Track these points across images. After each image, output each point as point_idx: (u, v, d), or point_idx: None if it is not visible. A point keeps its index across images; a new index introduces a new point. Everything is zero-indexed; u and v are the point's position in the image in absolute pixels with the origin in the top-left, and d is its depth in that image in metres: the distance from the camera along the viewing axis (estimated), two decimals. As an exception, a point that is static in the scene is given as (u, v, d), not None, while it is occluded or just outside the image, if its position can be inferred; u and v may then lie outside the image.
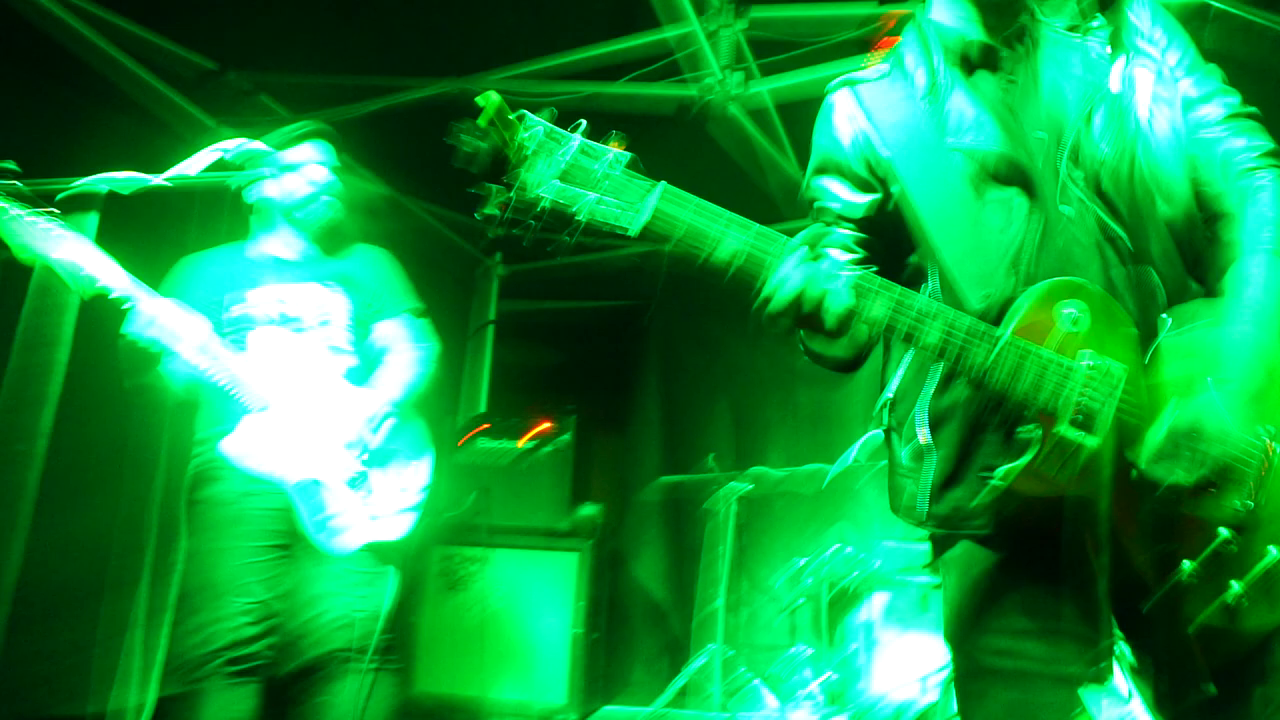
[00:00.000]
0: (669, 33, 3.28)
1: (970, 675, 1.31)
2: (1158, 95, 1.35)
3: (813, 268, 1.15)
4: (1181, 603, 1.17)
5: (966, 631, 1.32)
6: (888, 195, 1.41)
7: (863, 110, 1.42)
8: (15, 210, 2.04)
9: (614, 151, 1.14)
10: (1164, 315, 1.27)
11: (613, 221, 1.12)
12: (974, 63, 1.40)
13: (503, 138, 1.11)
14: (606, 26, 3.53)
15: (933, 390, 1.35)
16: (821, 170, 1.48)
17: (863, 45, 3.37)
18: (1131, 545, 1.16)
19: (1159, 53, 1.39)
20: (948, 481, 1.33)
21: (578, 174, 1.12)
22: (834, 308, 1.15)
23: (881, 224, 1.44)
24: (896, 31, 3.30)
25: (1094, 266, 1.27)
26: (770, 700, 4.38)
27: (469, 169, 1.13)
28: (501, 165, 1.12)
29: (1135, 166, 1.31)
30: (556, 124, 1.15)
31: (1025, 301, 1.21)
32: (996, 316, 1.23)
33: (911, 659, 3.81)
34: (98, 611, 3.39)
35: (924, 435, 1.35)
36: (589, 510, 4.62)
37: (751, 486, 3.77)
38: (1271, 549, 1.20)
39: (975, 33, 1.40)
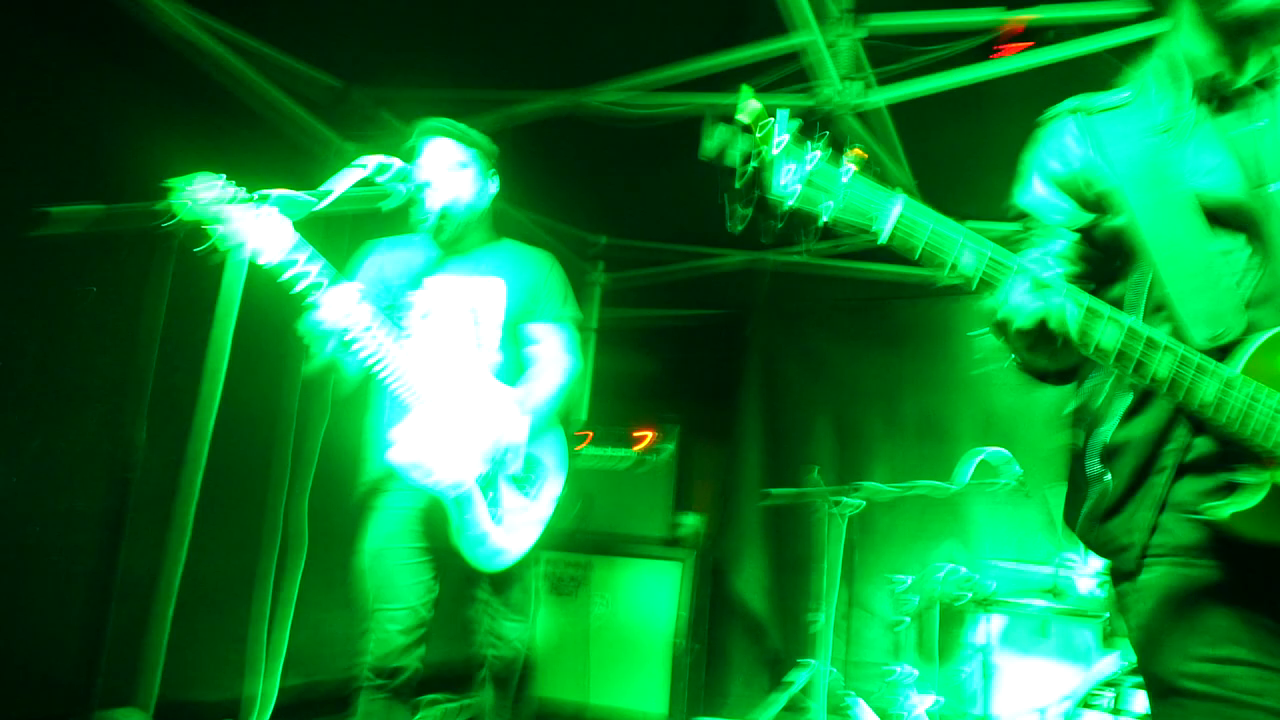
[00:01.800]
0: (788, 41, 3.25)
1: (1166, 698, 1.27)
2: None
3: (1045, 294, 1.17)
4: None
5: (1166, 654, 1.27)
6: (1105, 221, 1.40)
7: (1092, 139, 1.41)
8: (231, 190, 2.02)
9: (852, 164, 1.18)
10: None
11: (859, 224, 1.17)
12: (1222, 99, 1.37)
13: (755, 139, 1.17)
14: (714, 38, 3.53)
15: (1114, 422, 1.35)
16: (1040, 189, 1.48)
17: (984, 53, 3.28)
18: None
19: None
20: (1110, 511, 1.33)
21: (820, 180, 1.16)
22: (1066, 329, 1.17)
23: (1099, 241, 1.42)
24: (1019, 39, 3.22)
25: None
26: (871, 719, 4.28)
27: (716, 163, 1.18)
28: (749, 165, 1.17)
29: None
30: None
31: (1256, 343, 1.20)
32: (1221, 356, 1.21)
33: (1029, 686, 3.67)
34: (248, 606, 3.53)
35: (1098, 463, 1.36)
36: (692, 520, 4.62)
37: (862, 502, 3.69)
38: None
39: (1224, 68, 1.37)
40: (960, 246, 1.16)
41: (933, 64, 3.35)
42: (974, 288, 1.19)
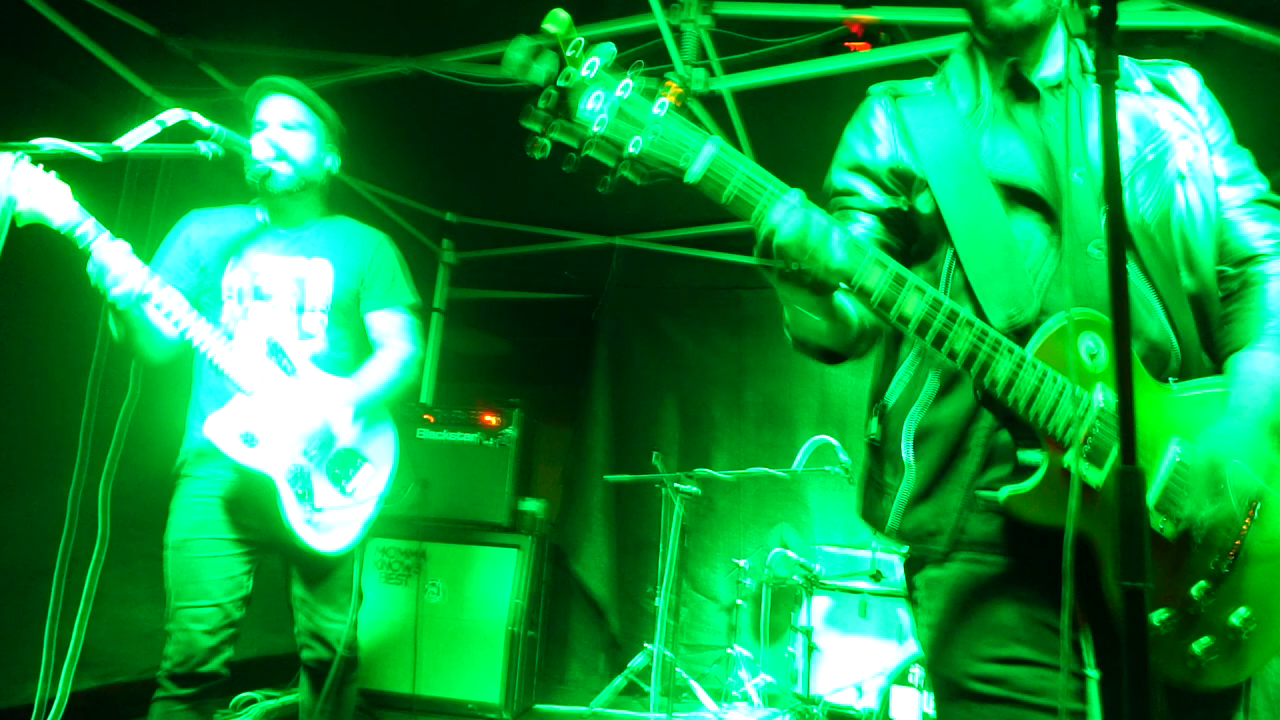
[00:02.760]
0: (635, 23, 3.22)
1: (954, 700, 1.29)
2: (1194, 168, 1.37)
3: (823, 214, 1.14)
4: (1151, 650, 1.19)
5: (954, 655, 1.30)
6: (909, 205, 1.43)
7: (900, 124, 1.44)
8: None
9: (668, 99, 1.11)
10: (1171, 379, 1.28)
11: (669, 162, 1.09)
12: (1021, 88, 1.41)
13: (562, 59, 1.07)
14: (571, 11, 3.46)
15: (923, 407, 1.36)
16: (849, 168, 1.49)
17: (827, 48, 3.36)
18: (1112, 587, 1.16)
19: (1199, 126, 1.42)
20: (918, 497, 1.35)
21: (632, 112, 1.09)
22: (817, 247, 1.13)
23: (903, 224, 1.44)
24: (861, 38, 3.31)
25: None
26: (707, 701, 4.38)
27: (518, 78, 1.08)
28: (554, 88, 1.07)
29: (1168, 231, 1.33)
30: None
31: (1050, 326, 1.22)
32: (1018, 337, 1.23)
33: (850, 664, 3.84)
34: (23, 601, 3.22)
35: (906, 451, 1.37)
36: (531, 505, 4.56)
37: (697, 488, 3.75)
38: (1241, 609, 1.22)
39: (1016, 61, 1.41)
40: (770, 195, 1.12)
41: (777, 56, 3.40)
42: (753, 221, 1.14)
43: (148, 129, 1.86)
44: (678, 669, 4.28)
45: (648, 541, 4.97)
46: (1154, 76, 1.45)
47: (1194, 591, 1.21)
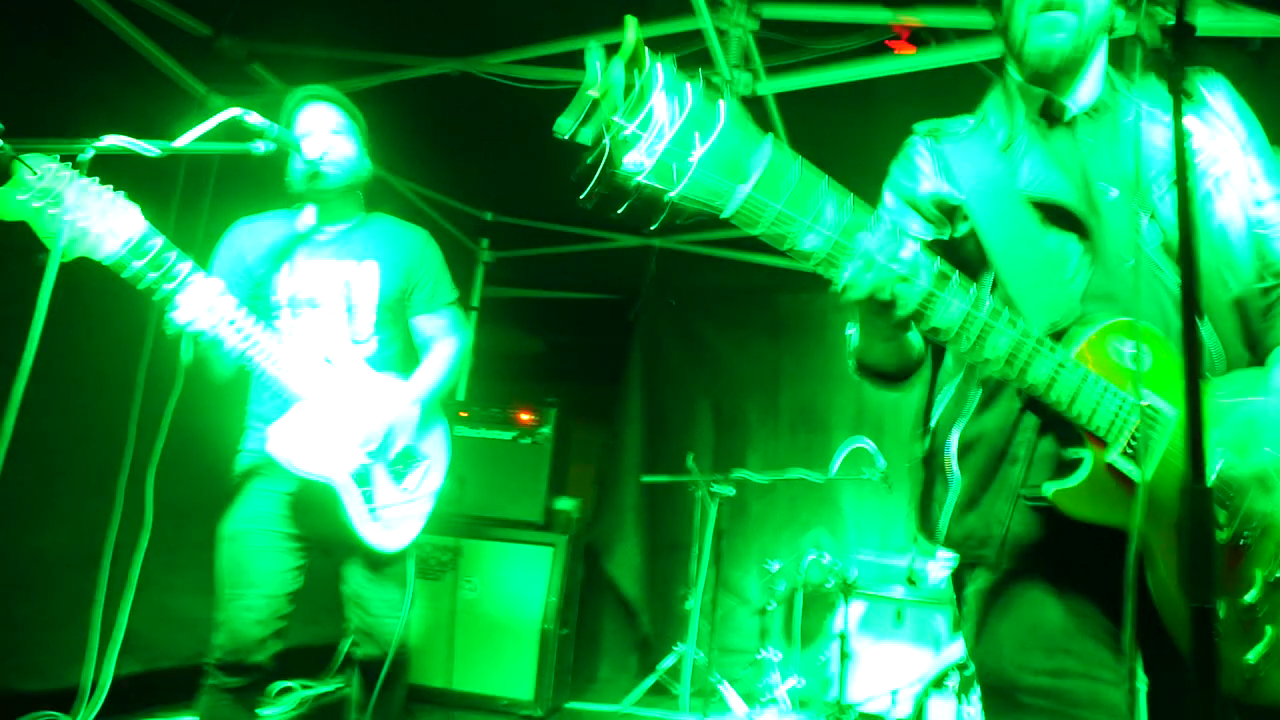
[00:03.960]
0: (681, 25, 3.22)
1: (1006, 711, 1.31)
2: (1229, 181, 1.40)
3: (893, 253, 1.17)
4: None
5: (1004, 667, 1.31)
6: (951, 237, 1.48)
7: (941, 159, 1.50)
8: (70, 174, 1.85)
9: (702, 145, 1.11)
10: (1211, 377, 1.30)
11: (706, 203, 1.11)
12: (1052, 121, 1.46)
13: (608, 116, 1.07)
14: (615, 17, 3.45)
15: (967, 419, 1.40)
16: (895, 201, 1.55)
17: (873, 51, 3.34)
18: (1160, 591, 1.15)
19: (1234, 139, 1.44)
20: (966, 506, 1.38)
21: (671, 157, 1.09)
22: (910, 293, 1.17)
23: (947, 253, 1.45)
24: (909, 40, 3.29)
25: (1155, 317, 1.30)
26: (737, 704, 4.37)
27: (572, 138, 1.09)
28: (601, 142, 1.09)
29: (1202, 241, 1.34)
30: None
31: (1091, 328, 1.25)
32: (1057, 342, 1.26)
33: (884, 671, 3.81)
34: (72, 587, 3.30)
35: (951, 462, 1.40)
36: (566, 504, 4.58)
37: (733, 490, 3.75)
38: None
39: (1050, 95, 1.45)
40: (805, 229, 1.14)
41: (822, 59, 3.39)
42: (813, 265, 1.17)
43: (204, 127, 1.90)
44: (708, 671, 4.27)
45: (681, 543, 4.97)
46: (1194, 93, 1.46)
47: (1247, 598, 1.20)
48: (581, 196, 1.10)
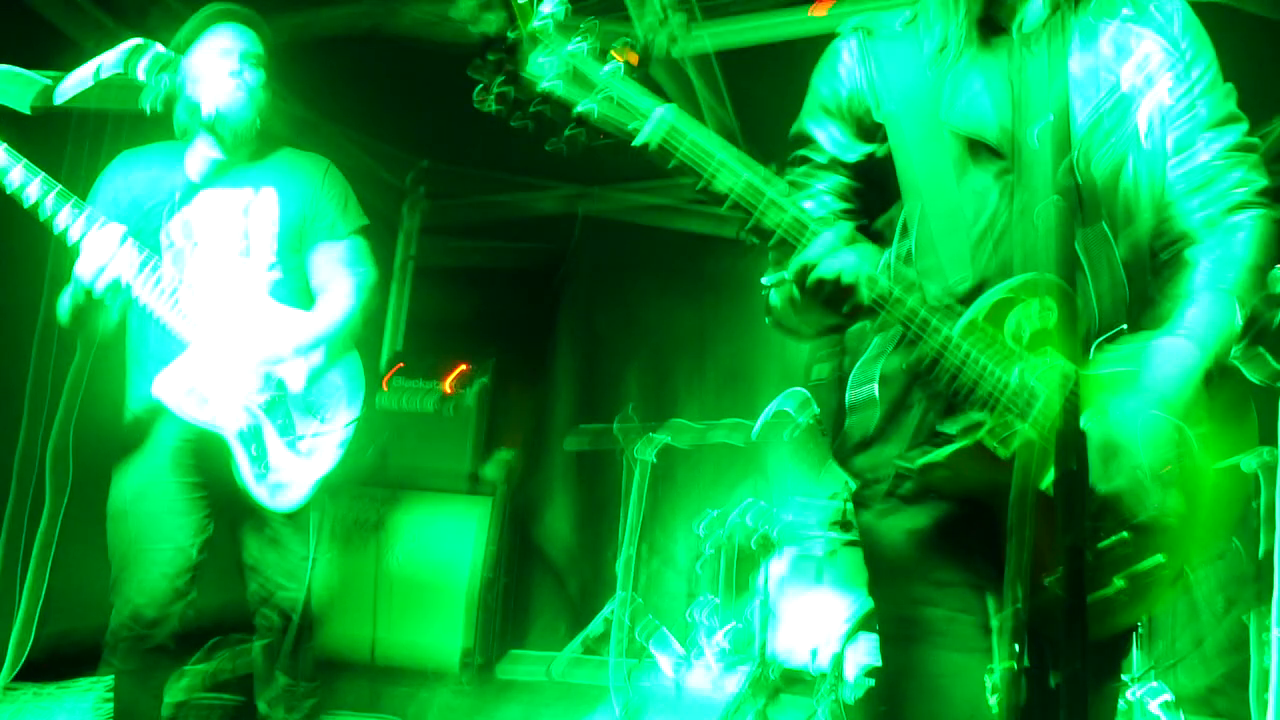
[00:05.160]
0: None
1: (884, 641, 1.37)
2: (1169, 109, 1.34)
3: (849, 255, 1.17)
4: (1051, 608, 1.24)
5: (878, 597, 1.39)
6: (871, 156, 1.41)
7: (868, 63, 1.40)
8: None
9: (621, 60, 1.11)
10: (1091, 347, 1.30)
11: (619, 125, 1.09)
12: (995, 27, 1.36)
13: (513, 11, 1.05)
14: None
15: (867, 358, 1.40)
16: (817, 113, 1.46)
17: (797, 7, 3.33)
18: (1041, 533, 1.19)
19: (1182, 63, 1.36)
20: (875, 437, 1.39)
21: (583, 71, 1.08)
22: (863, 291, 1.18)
23: (871, 173, 1.43)
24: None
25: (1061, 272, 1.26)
26: (675, 648, 4.43)
27: (471, 25, 1.06)
28: (504, 40, 1.06)
29: (1114, 193, 1.32)
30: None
31: (996, 292, 1.23)
32: (968, 296, 1.25)
33: (814, 614, 3.89)
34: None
35: (870, 389, 1.39)
36: (502, 456, 4.54)
37: (669, 438, 3.78)
38: (1159, 556, 1.25)
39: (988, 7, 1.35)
40: (718, 164, 1.12)
41: (746, 14, 3.36)
42: (724, 209, 1.16)
43: (103, 59, 1.78)
44: (638, 631, 4.33)
45: (611, 502, 5.00)
46: (1139, 4, 1.38)
47: (1117, 537, 1.24)
48: (475, 94, 1.07)
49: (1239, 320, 1.30)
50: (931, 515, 1.32)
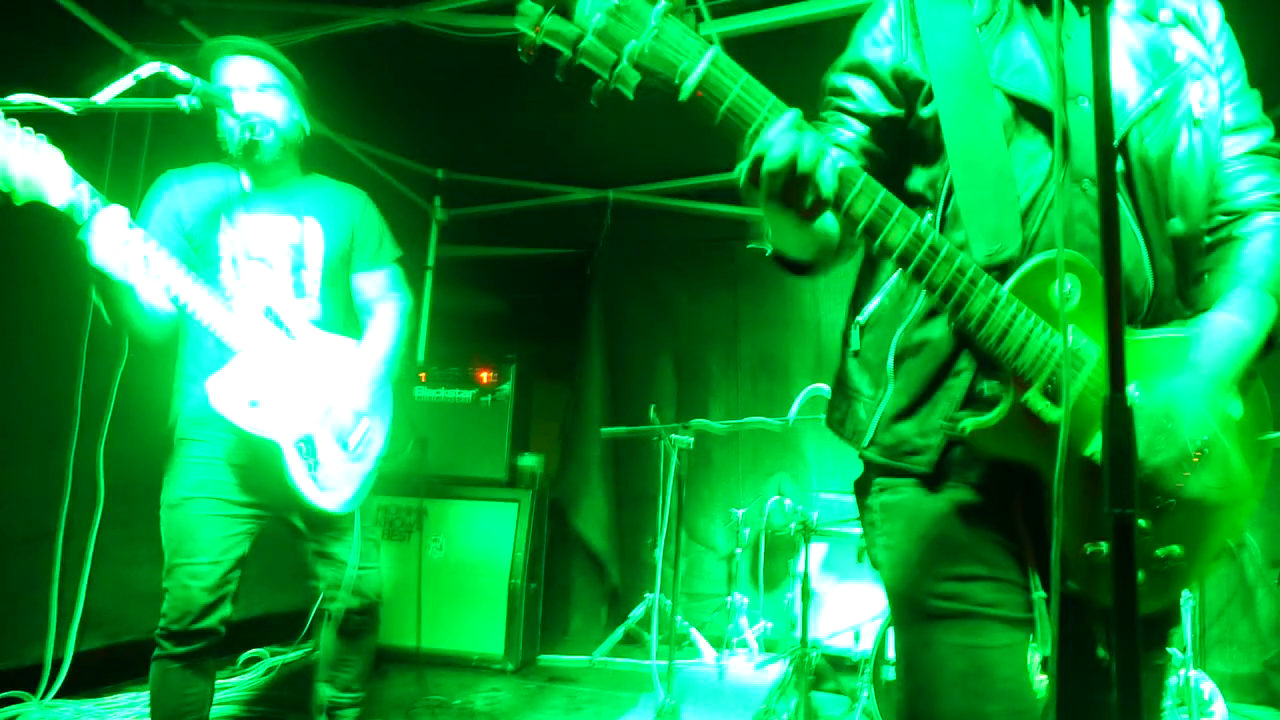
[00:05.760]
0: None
1: (916, 620, 1.32)
2: (1204, 111, 1.34)
3: (816, 136, 1.09)
4: (1095, 577, 1.21)
5: (914, 575, 1.33)
6: (909, 115, 1.37)
7: (912, 23, 1.37)
8: None
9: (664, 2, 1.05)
10: (1138, 322, 1.28)
11: (664, 73, 1.03)
12: (1041, 2, 1.35)
13: None
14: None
15: (908, 322, 1.35)
16: (852, 69, 1.42)
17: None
18: (1087, 501, 1.18)
19: (1215, 68, 1.37)
20: (901, 414, 1.35)
21: (633, 8, 1.03)
22: (813, 171, 1.08)
23: (892, 140, 1.39)
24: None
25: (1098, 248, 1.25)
26: (706, 649, 4.45)
27: None
28: None
29: (1167, 173, 1.30)
30: None
31: (1029, 265, 1.21)
32: (998, 270, 1.23)
33: (847, 608, 3.89)
34: (25, 565, 3.25)
35: (890, 364, 1.35)
36: (529, 461, 4.58)
37: (692, 439, 3.77)
38: (1175, 546, 1.24)
39: None
40: (768, 113, 1.07)
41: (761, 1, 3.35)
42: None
43: (124, 83, 1.82)
44: (678, 618, 4.33)
45: (646, 494, 5.01)
46: (1176, 8, 1.39)
47: (1138, 524, 1.22)
48: (520, 49, 1.03)
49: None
50: (973, 490, 1.30)
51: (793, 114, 1.08)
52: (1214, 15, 1.40)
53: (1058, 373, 1.18)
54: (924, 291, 1.18)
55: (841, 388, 1.46)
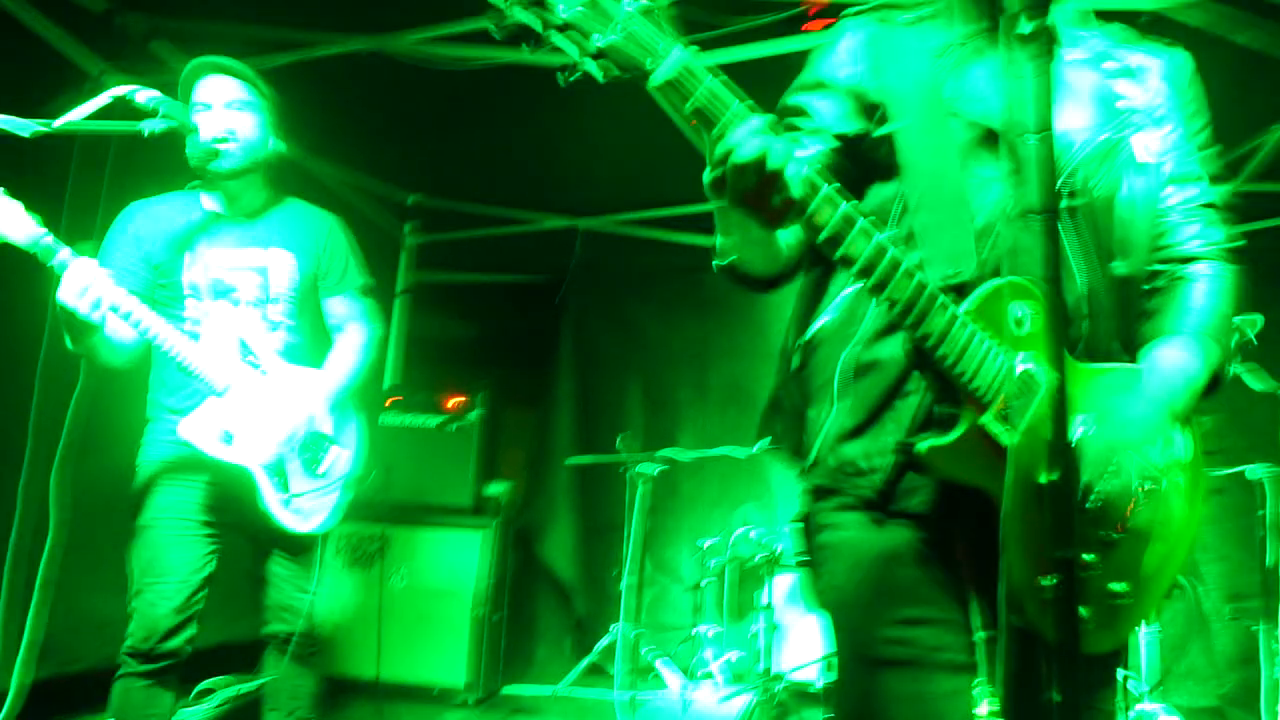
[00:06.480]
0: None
1: (860, 666, 1.30)
2: (1147, 158, 1.36)
3: (785, 139, 1.08)
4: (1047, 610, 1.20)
5: (858, 621, 1.30)
6: (866, 135, 1.38)
7: (871, 48, 1.38)
8: None
9: None
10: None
11: (635, 61, 1.04)
12: (997, 38, 1.36)
13: None
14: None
15: (860, 342, 1.33)
16: (809, 88, 1.43)
17: (790, 27, 3.36)
18: (1011, 549, 1.16)
19: (1158, 118, 1.40)
20: (846, 435, 1.33)
21: (603, 4, 1.03)
22: (793, 183, 1.07)
23: (845, 160, 1.39)
24: (822, 15, 3.31)
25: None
26: (673, 679, 4.41)
27: None
28: None
29: (1110, 215, 1.33)
30: None
31: (986, 288, 1.21)
32: (954, 293, 1.22)
33: (813, 641, 3.88)
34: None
35: (837, 384, 1.33)
36: (497, 488, 4.55)
37: (662, 468, 3.78)
38: (1123, 582, 1.24)
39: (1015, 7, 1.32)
40: (734, 114, 1.06)
41: (740, 35, 3.39)
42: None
43: (90, 106, 1.81)
44: (644, 649, 4.30)
45: (613, 524, 4.98)
46: (1123, 59, 1.42)
47: (1086, 557, 1.22)
48: (495, 26, 1.02)
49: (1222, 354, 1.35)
50: (916, 523, 1.28)
51: (764, 119, 1.09)
52: (1156, 67, 1.43)
53: (1012, 396, 1.18)
54: (885, 307, 1.16)
55: (778, 407, 1.44)
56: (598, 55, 1.03)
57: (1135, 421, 1.25)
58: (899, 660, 1.25)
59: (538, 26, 1.03)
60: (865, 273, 1.13)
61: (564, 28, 1.02)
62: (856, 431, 1.32)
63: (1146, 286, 1.40)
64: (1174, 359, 1.31)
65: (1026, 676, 1.18)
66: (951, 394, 1.21)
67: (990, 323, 1.19)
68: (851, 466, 1.32)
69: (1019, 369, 1.19)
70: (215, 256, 2.43)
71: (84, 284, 2.02)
